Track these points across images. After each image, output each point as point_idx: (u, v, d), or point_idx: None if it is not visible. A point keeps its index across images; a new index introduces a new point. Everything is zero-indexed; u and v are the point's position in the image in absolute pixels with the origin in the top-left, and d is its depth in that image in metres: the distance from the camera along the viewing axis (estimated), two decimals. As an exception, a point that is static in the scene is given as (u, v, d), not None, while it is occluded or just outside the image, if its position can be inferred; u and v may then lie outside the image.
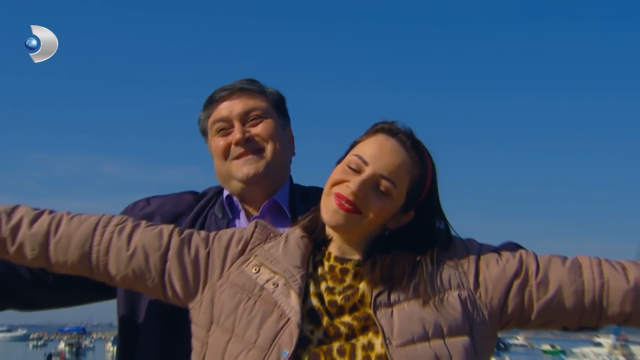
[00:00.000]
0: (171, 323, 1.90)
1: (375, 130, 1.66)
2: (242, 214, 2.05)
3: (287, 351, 1.45)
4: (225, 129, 2.03)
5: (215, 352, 1.53)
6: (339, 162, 1.68)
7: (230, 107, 2.03)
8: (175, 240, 1.67)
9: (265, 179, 2.00)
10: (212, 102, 2.08)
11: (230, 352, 1.50)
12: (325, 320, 1.53)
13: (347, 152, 1.68)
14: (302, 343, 1.48)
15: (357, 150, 1.63)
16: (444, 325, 1.50)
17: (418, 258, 1.61)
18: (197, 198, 2.14)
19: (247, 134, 2.01)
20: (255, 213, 2.03)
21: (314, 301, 1.56)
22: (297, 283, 1.56)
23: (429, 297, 1.55)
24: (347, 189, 1.56)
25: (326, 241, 1.65)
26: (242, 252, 1.67)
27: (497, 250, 1.70)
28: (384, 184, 1.58)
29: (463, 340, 1.50)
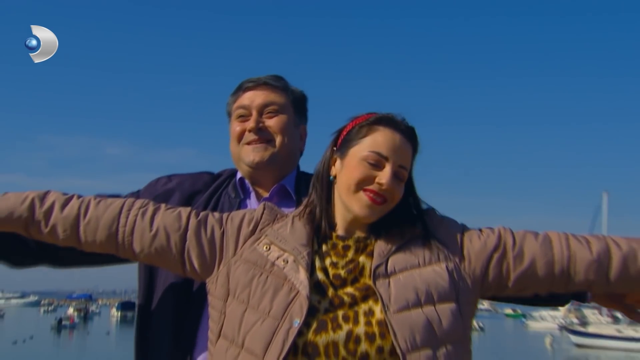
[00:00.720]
0: (186, 292, 1.91)
1: (374, 122, 1.66)
2: (253, 195, 2.08)
3: (299, 320, 1.49)
4: (244, 116, 2.06)
5: (233, 321, 1.56)
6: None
7: (252, 98, 2.06)
8: (192, 221, 1.69)
9: (269, 166, 2.02)
10: (239, 89, 2.11)
11: (247, 321, 1.54)
12: (330, 292, 1.56)
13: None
14: (311, 312, 1.51)
15: (368, 145, 1.63)
16: (434, 293, 1.55)
17: (412, 232, 1.66)
18: (213, 178, 2.15)
19: (260, 124, 2.03)
20: (265, 194, 2.06)
21: (320, 275, 1.59)
22: (304, 259, 1.59)
23: (421, 268, 1.60)
24: (378, 186, 1.60)
25: (331, 225, 1.69)
26: (253, 232, 1.69)
27: (477, 227, 1.74)
28: (402, 172, 1.63)
29: (450, 306, 1.55)
